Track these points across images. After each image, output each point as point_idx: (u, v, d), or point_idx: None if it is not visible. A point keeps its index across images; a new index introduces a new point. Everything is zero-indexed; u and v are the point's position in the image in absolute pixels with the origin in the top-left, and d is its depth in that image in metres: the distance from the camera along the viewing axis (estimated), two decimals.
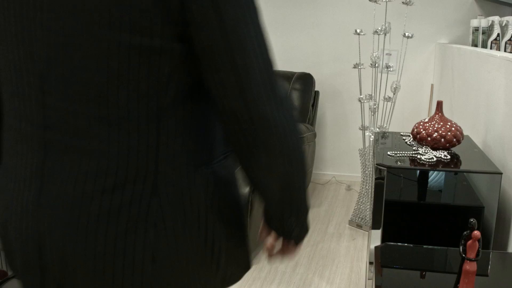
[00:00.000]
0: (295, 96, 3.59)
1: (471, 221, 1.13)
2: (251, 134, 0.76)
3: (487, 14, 3.65)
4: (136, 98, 0.74)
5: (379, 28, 3.02)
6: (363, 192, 3.19)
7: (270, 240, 0.93)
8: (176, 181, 0.79)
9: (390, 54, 3.79)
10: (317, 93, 3.77)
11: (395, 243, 1.52)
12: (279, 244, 0.96)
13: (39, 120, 0.77)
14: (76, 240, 0.77)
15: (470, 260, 1.13)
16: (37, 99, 0.77)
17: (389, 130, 3.43)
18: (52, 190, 0.77)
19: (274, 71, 0.77)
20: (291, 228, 0.88)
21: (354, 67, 3.16)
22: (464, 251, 1.14)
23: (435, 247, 1.49)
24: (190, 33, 0.72)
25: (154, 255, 0.78)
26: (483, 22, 2.92)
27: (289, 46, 4.08)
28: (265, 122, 0.75)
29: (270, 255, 0.96)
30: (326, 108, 4.10)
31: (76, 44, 0.72)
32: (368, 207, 3.15)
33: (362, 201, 3.18)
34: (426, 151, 1.88)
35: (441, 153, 1.85)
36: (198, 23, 0.70)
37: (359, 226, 3.15)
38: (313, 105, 3.69)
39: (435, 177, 1.69)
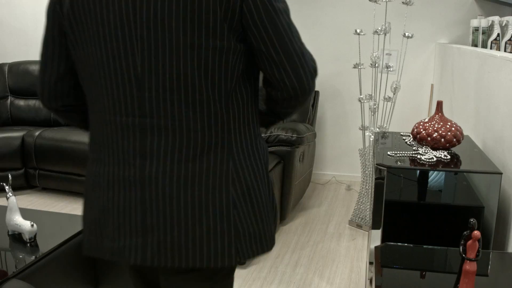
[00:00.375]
0: None
1: (471, 221, 1.13)
2: (297, 97, 1.07)
3: (487, 14, 3.65)
4: (211, 85, 1.00)
5: (379, 28, 3.02)
6: (363, 192, 3.19)
7: None
8: (244, 147, 1.08)
9: (390, 54, 3.79)
10: (317, 93, 3.77)
11: (395, 243, 1.52)
12: None
13: (134, 112, 1.02)
14: (178, 195, 1.02)
15: (470, 260, 1.13)
16: (133, 96, 1.01)
17: (389, 130, 3.43)
18: (153, 163, 1.02)
19: (308, 51, 1.07)
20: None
21: (354, 67, 3.16)
22: (464, 251, 1.14)
23: (435, 247, 1.49)
24: (247, 35, 1.01)
25: (235, 203, 1.05)
26: (483, 22, 2.92)
27: None
28: (307, 91, 1.06)
29: None
30: (326, 108, 4.10)
31: (168, 50, 0.97)
32: (368, 207, 3.15)
33: (362, 201, 3.18)
34: (426, 151, 1.88)
35: (441, 153, 1.85)
36: (258, 28, 0.99)
37: (359, 226, 3.15)
38: (313, 105, 3.69)
39: (435, 177, 1.69)
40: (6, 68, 4.24)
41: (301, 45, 1.03)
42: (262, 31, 0.99)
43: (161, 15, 0.96)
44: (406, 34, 3.02)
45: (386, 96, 3.17)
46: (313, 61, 1.07)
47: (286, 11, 1.02)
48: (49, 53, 1.11)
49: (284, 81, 1.03)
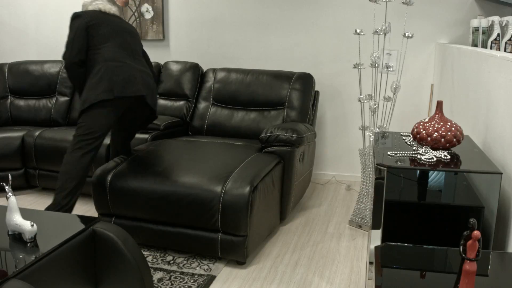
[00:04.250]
0: (295, 96, 3.58)
1: (471, 221, 1.13)
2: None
3: (487, 14, 3.65)
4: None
5: (379, 28, 3.02)
6: (363, 192, 3.19)
7: None
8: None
9: (390, 54, 3.79)
10: (317, 93, 3.77)
11: (395, 243, 1.52)
12: None
13: (131, 60, 2.98)
14: (147, 73, 3.09)
15: (470, 260, 1.13)
16: (128, 57, 2.99)
17: (389, 130, 3.43)
18: (139, 67, 3.00)
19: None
20: None
21: (354, 67, 3.16)
22: (464, 251, 1.15)
23: (435, 247, 1.49)
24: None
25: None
26: (483, 22, 2.92)
27: (289, 46, 4.08)
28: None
29: None
30: (326, 108, 4.10)
31: (133, 45, 3.06)
32: (368, 207, 3.15)
33: (362, 201, 3.18)
34: (426, 151, 1.88)
35: (441, 153, 1.85)
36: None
37: (359, 226, 3.15)
38: (313, 105, 3.69)
39: (435, 177, 1.69)
40: (6, 68, 4.24)
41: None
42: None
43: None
44: (406, 34, 3.03)
45: (386, 96, 3.17)
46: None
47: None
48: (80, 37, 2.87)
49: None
